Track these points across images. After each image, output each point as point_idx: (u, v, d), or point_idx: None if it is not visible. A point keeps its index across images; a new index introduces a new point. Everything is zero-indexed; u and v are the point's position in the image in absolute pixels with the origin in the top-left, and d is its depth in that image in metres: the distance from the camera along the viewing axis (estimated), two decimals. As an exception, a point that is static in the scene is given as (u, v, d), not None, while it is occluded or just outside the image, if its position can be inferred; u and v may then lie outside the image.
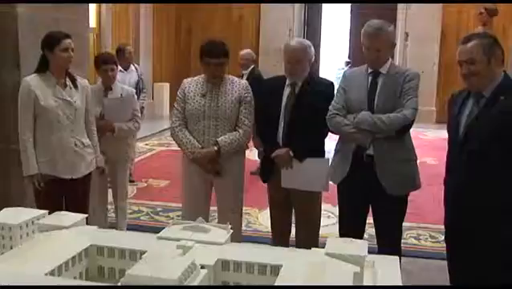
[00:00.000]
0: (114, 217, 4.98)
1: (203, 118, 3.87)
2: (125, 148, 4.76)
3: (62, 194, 3.85)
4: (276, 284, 1.74)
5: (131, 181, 7.21)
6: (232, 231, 2.14)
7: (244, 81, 4.10)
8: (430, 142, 9.99)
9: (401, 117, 3.33)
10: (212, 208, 4.19)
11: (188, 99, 3.92)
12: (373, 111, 3.38)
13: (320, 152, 3.85)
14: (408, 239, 5.21)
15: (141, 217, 5.76)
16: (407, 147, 3.52)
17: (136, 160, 8.22)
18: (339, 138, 3.65)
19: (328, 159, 3.74)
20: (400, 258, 2.45)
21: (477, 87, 3.01)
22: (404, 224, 5.37)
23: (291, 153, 3.73)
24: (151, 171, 7.69)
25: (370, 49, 3.43)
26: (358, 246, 1.95)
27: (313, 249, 2.04)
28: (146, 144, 9.77)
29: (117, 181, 4.78)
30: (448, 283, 3.37)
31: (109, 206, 4.99)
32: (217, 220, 4.11)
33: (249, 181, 6.39)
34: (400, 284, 2.14)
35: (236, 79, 4.05)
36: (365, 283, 2.02)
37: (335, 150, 3.65)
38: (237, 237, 3.93)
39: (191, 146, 3.88)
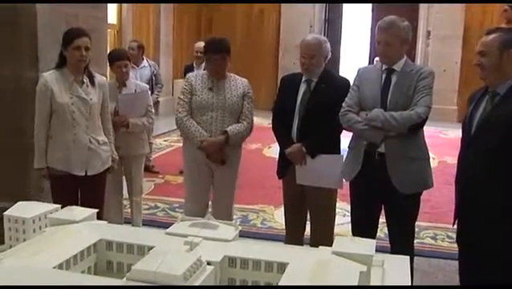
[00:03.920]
0: (129, 212, 5.01)
1: (211, 110, 4.03)
2: (139, 144, 4.78)
3: (77, 190, 3.88)
4: (282, 282, 1.73)
5: (155, 172, 7.30)
6: (240, 228, 2.14)
7: (245, 79, 4.23)
8: (450, 141, 9.87)
9: (414, 115, 3.29)
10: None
11: (195, 91, 4.07)
12: (386, 109, 3.35)
13: (335, 149, 3.84)
14: (424, 239, 5.17)
15: (157, 213, 5.79)
16: (419, 145, 3.47)
17: (155, 156, 8.27)
18: (352, 135, 3.63)
19: (342, 156, 3.72)
20: (412, 258, 2.44)
21: (487, 81, 3.00)
22: (420, 224, 5.38)
23: (304, 149, 3.72)
24: (169, 167, 7.71)
25: (380, 42, 3.43)
26: (365, 245, 1.93)
27: (321, 247, 2.03)
28: (165, 141, 9.81)
29: (132, 176, 4.81)
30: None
31: (125, 202, 5.02)
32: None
33: (265, 178, 6.45)
34: (409, 284, 2.12)
35: (237, 77, 4.21)
36: (372, 283, 2.00)
37: (348, 147, 3.63)
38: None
39: (199, 134, 3.99)
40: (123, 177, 4.85)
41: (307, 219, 4.11)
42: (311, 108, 3.75)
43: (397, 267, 2.25)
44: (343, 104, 3.51)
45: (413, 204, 3.52)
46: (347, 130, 3.61)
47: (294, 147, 3.76)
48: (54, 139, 3.84)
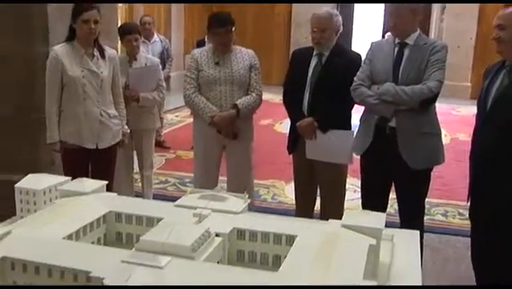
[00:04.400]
0: (140, 187, 5.03)
1: (219, 84, 4.00)
2: (150, 118, 4.78)
3: (88, 163, 3.90)
4: (290, 254, 1.73)
5: (166, 147, 7.32)
6: (249, 200, 2.14)
7: (251, 50, 4.20)
8: (463, 118, 9.81)
9: (425, 89, 3.25)
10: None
11: (202, 67, 4.04)
12: (397, 83, 3.31)
13: (346, 125, 3.81)
14: (435, 216, 5.16)
15: (168, 188, 5.82)
16: (431, 120, 3.43)
17: (166, 131, 8.29)
18: (364, 109, 3.60)
19: (353, 132, 3.70)
20: (422, 234, 2.42)
21: (505, 54, 2.95)
22: (431, 200, 5.36)
23: (315, 124, 3.70)
24: (180, 142, 7.72)
25: (392, 14, 3.44)
26: (375, 219, 1.92)
27: (330, 220, 2.02)
28: (176, 116, 9.82)
29: (142, 150, 4.81)
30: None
31: (136, 176, 5.04)
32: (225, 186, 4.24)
33: (276, 154, 6.44)
34: (418, 259, 2.11)
35: (243, 48, 4.18)
36: (381, 257, 1.99)
37: (360, 121, 3.60)
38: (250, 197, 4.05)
39: (209, 110, 3.97)
40: (134, 152, 4.85)
41: (317, 194, 4.10)
42: (322, 82, 3.72)
43: (407, 242, 2.24)
44: (355, 78, 3.47)
45: (424, 180, 3.50)
46: (358, 104, 3.58)
47: (304, 121, 3.74)
48: (65, 112, 3.85)
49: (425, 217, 4.90)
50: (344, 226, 1.88)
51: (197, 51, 4.21)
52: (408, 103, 3.27)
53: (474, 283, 3.31)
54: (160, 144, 7.47)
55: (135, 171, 4.94)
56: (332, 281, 1.43)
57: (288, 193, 5.53)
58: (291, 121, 3.94)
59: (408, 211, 3.52)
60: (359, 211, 1.97)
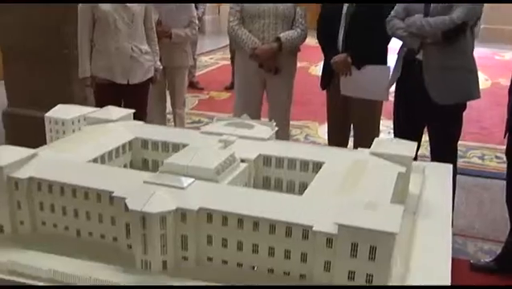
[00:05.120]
0: (172, 125, 5.03)
1: (263, 17, 3.88)
2: (183, 55, 4.72)
3: (120, 99, 3.90)
4: (315, 180, 1.69)
5: (199, 88, 7.30)
6: (277, 128, 2.10)
7: None
8: (506, 63, 9.50)
9: (447, 20, 3.08)
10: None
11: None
12: (428, 15, 3.16)
13: (382, 60, 3.68)
14: (471, 158, 5.05)
15: (201, 127, 5.78)
16: (461, 55, 3.25)
17: (200, 73, 8.26)
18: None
19: (389, 67, 3.57)
20: (455, 176, 2.34)
21: None
22: (468, 143, 5.24)
23: (349, 60, 3.59)
24: (213, 84, 7.70)
25: None
26: (406, 147, 1.86)
27: (359, 148, 1.97)
28: (210, 58, 9.77)
29: (175, 88, 4.78)
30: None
31: (169, 116, 5.03)
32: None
33: (311, 95, 6.36)
34: (450, 193, 2.05)
35: None
36: (411, 188, 1.95)
37: (397, 54, 3.47)
38: (286, 135, 4.02)
39: (251, 42, 3.89)
40: (167, 90, 4.83)
41: (351, 135, 4.03)
42: (358, 17, 3.59)
43: (439, 175, 2.18)
44: (392, 11, 3.34)
45: (454, 120, 3.37)
46: (392, 36, 3.45)
47: (339, 56, 3.64)
48: (97, 47, 3.84)
49: (461, 160, 4.84)
50: (373, 154, 1.83)
51: None
52: (431, 34, 3.11)
53: (508, 227, 3.24)
54: (193, 85, 7.47)
55: (168, 110, 4.93)
56: (357, 204, 1.39)
57: (321, 134, 5.47)
58: (325, 58, 3.83)
59: (440, 153, 3.40)
60: (389, 139, 1.90)
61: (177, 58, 4.65)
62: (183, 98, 4.91)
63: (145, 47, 3.95)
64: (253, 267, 1.49)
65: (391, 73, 3.50)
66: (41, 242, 1.64)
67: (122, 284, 1.39)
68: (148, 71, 3.99)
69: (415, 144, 1.89)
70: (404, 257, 1.55)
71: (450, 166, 2.26)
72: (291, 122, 4.37)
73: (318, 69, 8.05)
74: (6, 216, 1.70)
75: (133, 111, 2.33)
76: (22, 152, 1.76)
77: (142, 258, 1.49)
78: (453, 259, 1.56)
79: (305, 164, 1.86)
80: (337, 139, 3.96)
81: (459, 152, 4.84)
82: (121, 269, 1.49)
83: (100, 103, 3.76)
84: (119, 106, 3.78)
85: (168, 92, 4.84)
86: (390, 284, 1.37)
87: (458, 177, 3.79)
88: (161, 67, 4.17)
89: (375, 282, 1.33)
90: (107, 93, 3.83)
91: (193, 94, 7.10)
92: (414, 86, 3.25)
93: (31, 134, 2.45)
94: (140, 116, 2.48)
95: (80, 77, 3.90)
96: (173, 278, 1.45)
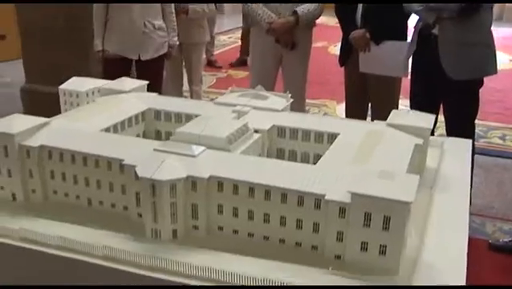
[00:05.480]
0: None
1: None
2: (199, 31, 4.67)
3: (129, 75, 3.89)
4: (329, 151, 1.65)
5: (217, 67, 7.28)
6: (292, 100, 2.05)
7: None
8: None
9: None
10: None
11: None
12: None
13: (402, 35, 3.60)
14: (491, 138, 4.95)
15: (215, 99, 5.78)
16: (479, 30, 3.15)
17: (218, 51, 8.21)
18: None
19: (408, 42, 3.50)
20: (473, 155, 2.27)
21: None
22: (489, 123, 5.16)
23: (368, 35, 3.52)
24: (231, 62, 7.66)
25: None
26: (423, 118, 1.81)
27: (375, 120, 1.92)
28: (229, 38, 9.72)
29: (191, 64, 4.74)
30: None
31: (186, 94, 5.01)
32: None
33: (329, 74, 6.30)
34: (468, 168, 2.00)
35: None
36: (428, 162, 1.90)
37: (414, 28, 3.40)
38: (301, 111, 3.94)
39: (267, 16, 3.81)
40: (184, 67, 4.80)
41: (368, 114, 3.97)
42: None
43: (457, 150, 2.14)
44: None
45: (471, 98, 3.28)
46: (408, 10, 3.37)
47: (357, 32, 3.56)
48: (111, 22, 3.81)
49: (482, 140, 4.77)
50: (390, 125, 1.78)
51: None
52: (446, 8, 3.03)
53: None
54: (211, 64, 7.45)
55: (184, 87, 4.90)
56: (372, 173, 1.35)
57: (339, 112, 5.41)
58: (344, 34, 3.76)
59: (457, 131, 3.32)
60: (406, 111, 1.85)
61: (194, 34, 4.60)
62: (200, 75, 4.87)
63: (159, 23, 3.91)
64: (265, 237, 1.46)
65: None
66: (52, 210, 1.64)
67: (132, 252, 1.38)
68: (160, 47, 3.95)
69: (433, 116, 1.84)
70: (420, 230, 1.51)
71: (469, 142, 2.21)
72: (309, 100, 4.31)
73: (336, 49, 7.95)
74: (19, 184, 1.69)
75: (147, 82, 2.31)
76: (33, 120, 1.74)
77: (152, 227, 1.47)
78: (470, 238, 1.52)
79: (320, 136, 1.82)
80: (355, 117, 3.88)
81: (479, 133, 4.78)
82: (131, 237, 1.48)
83: (110, 78, 3.78)
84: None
85: (185, 70, 4.81)
86: (404, 256, 1.34)
87: (478, 157, 3.72)
88: (177, 43, 4.13)
89: (388, 254, 1.30)
90: (118, 68, 3.80)
91: (211, 72, 7.08)
92: (430, 61, 3.17)
93: (48, 110, 2.44)
94: (155, 92, 2.46)
95: (95, 50, 3.89)
96: (183, 247, 1.43)
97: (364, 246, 1.31)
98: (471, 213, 1.71)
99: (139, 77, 3.78)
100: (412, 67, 3.41)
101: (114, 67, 3.79)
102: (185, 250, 1.42)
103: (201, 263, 1.31)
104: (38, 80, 4.84)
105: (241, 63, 7.51)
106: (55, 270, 1.47)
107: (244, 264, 1.34)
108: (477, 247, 3.08)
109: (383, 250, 1.30)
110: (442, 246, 1.46)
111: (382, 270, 1.30)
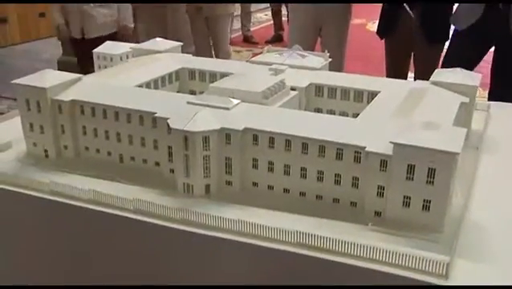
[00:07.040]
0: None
1: None
2: (224, 4, 4.54)
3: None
4: (368, 108, 1.57)
5: (254, 43, 7.24)
6: (330, 59, 1.97)
7: None
8: None
9: None
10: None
11: None
12: None
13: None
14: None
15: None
16: None
17: (254, 28, 8.17)
18: None
19: None
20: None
21: None
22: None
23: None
24: (267, 39, 7.60)
25: None
26: (469, 76, 1.71)
27: (418, 80, 1.83)
28: (265, 15, 9.66)
29: (217, 37, 4.61)
30: None
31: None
32: None
33: (368, 50, 6.15)
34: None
35: None
36: (474, 124, 1.80)
37: None
38: None
39: None
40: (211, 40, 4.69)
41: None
42: None
43: (505, 114, 2.03)
44: None
45: None
46: None
47: None
48: None
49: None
50: (434, 83, 1.69)
51: None
52: None
53: None
54: (247, 39, 7.42)
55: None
56: (416, 124, 1.26)
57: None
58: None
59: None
60: (451, 69, 1.75)
61: (218, 5, 4.47)
62: (226, 48, 4.73)
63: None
64: (301, 194, 1.40)
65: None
66: (84, 167, 1.60)
67: (163, 205, 1.33)
68: (104, 25, 3.92)
69: (479, 74, 1.73)
70: (466, 190, 1.43)
71: (517, 106, 2.10)
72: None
73: (375, 26, 7.79)
74: (50, 140, 1.66)
75: (181, 44, 2.25)
76: (66, 76, 1.71)
77: (184, 182, 1.42)
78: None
79: (359, 94, 1.74)
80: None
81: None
82: (163, 192, 1.44)
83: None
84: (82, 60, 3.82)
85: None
86: (449, 213, 1.26)
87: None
88: (132, 25, 4.09)
89: (432, 210, 1.22)
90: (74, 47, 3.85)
91: (247, 48, 7.05)
92: (497, 27, 2.99)
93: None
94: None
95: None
96: (216, 203, 1.38)
97: (406, 202, 1.24)
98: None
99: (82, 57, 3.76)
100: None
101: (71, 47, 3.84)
102: (218, 206, 1.37)
103: (235, 218, 1.26)
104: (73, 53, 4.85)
105: (276, 39, 7.44)
106: (86, 224, 1.44)
107: (279, 220, 1.28)
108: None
109: (426, 206, 1.22)
110: (489, 207, 1.38)
111: (425, 228, 1.23)
